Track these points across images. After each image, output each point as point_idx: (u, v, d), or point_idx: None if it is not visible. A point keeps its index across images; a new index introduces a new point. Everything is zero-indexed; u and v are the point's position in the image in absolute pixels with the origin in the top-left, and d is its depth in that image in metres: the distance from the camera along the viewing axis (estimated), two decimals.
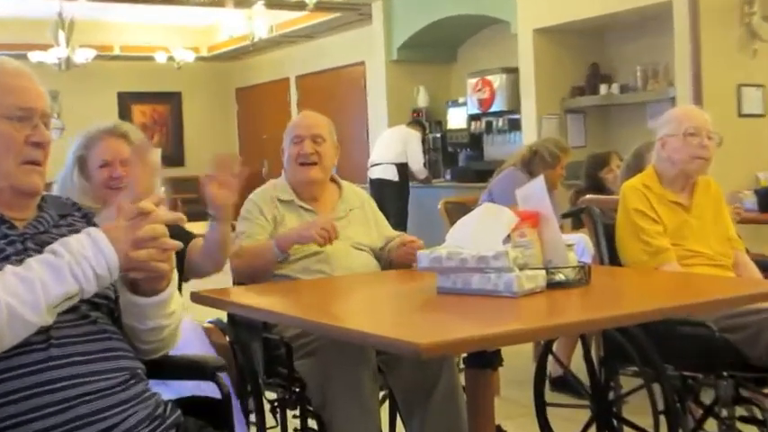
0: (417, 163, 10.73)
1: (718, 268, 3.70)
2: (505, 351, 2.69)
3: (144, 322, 2.15)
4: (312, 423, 3.31)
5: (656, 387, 3.34)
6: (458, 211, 5.65)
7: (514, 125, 10.31)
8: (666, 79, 8.93)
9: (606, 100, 9.56)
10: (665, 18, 8.22)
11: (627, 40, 9.70)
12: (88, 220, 2.27)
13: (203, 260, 3.36)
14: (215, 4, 12.07)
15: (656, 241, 3.68)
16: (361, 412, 3.10)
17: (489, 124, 10.73)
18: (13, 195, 2.10)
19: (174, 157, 15.89)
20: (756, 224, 6.59)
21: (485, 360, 2.63)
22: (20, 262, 1.92)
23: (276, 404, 3.46)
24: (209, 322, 3.68)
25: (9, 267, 1.89)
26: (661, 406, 3.30)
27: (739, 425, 3.54)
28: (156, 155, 5.01)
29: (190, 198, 15.21)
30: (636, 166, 4.57)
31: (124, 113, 16.02)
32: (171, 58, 14.67)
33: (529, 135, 9.53)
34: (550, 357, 4.03)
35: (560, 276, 2.81)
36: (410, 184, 10.81)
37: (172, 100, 16.82)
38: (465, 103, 11.05)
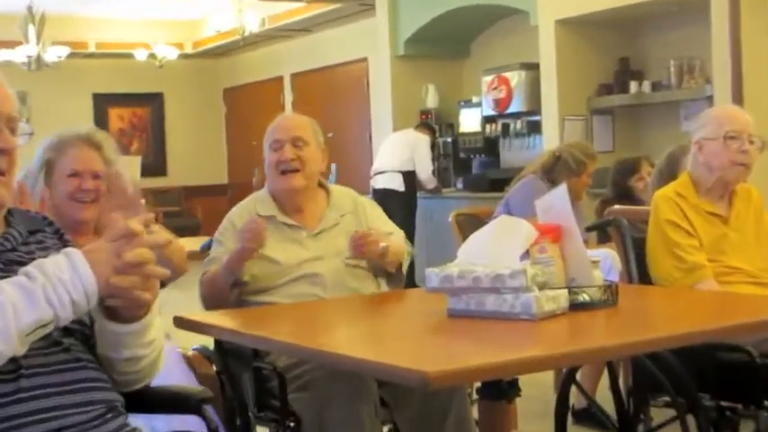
0: (426, 171, 10.73)
1: (760, 287, 3.70)
2: (523, 380, 2.71)
3: (119, 351, 2.15)
4: None
5: (691, 419, 3.35)
6: (471, 224, 5.66)
7: (534, 128, 10.31)
8: (703, 76, 8.93)
9: (636, 99, 9.57)
10: (702, 7, 8.23)
11: (659, 33, 9.71)
12: (60, 236, 2.28)
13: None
14: None
15: (690, 257, 3.68)
16: None
17: (506, 127, 10.73)
18: None
19: (155, 165, 15.94)
20: None
21: (500, 390, 2.65)
22: None
23: None
24: (194, 350, 3.69)
25: None
26: None
27: None
28: (136, 164, 5.04)
29: (172, 211, 15.33)
30: (669, 172, 4.57)
31: (100, 117, 16.06)
32: (152, 56, 14.72)
33: (550, 139, 9.54)
34: (573, 387, 4.03)
35: (584, 297, 2.82)
36: (418, 194, 10.82)
37: (153, 102, 16.86)
38: (479, 104, 11.05)
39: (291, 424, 3.27)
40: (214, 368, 3.57)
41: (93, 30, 15.13)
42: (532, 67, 10.14)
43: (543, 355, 2.39)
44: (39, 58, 12.71)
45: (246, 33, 13.28)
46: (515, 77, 10.39)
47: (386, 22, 11.96)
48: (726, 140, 3.79)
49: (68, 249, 1.96)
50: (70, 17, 14.23)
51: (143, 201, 4.55)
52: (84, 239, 3.23)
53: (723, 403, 3.42)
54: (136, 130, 16.70)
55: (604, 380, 4.33)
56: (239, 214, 3.74)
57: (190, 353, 3.58)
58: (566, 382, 3.97)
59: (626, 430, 3.67)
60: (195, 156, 16.68)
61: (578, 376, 4.11)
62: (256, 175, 14.71)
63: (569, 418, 4.09)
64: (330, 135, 12.90)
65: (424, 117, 11.76)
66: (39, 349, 2.00)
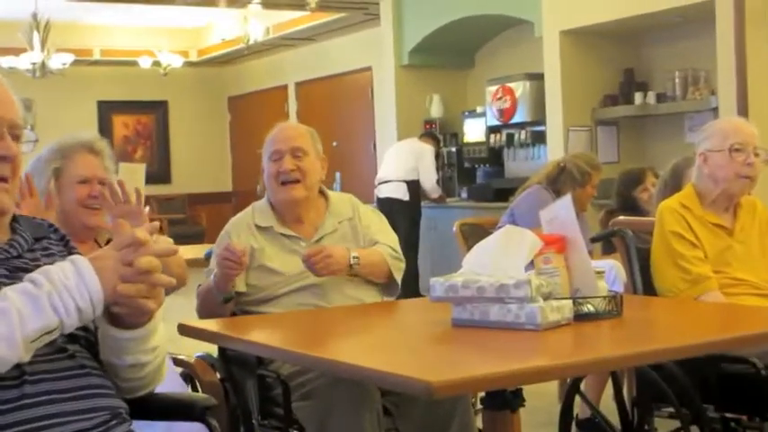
0: (430, 180, 10.74)
1: (765, 298, 3.70)
2: (527, 390, 2.71)
3: (122, 358, 2.14)
4: None
5: (695, 430, 3.35)
6: (475, 233, 5.66)
7: (539, 138, 10.33)
8: (708, 87, 8.94)
9: (641, 110, 9.58)
10: (707, 19, 8.24)
11: (664, 44, 9.72)
12: (65, 243, 2.28)
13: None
14: (206, 3, 12.15)
15: (695, 268, 3.69)
16: None
17: (510, 137, 10.74)
18: None
19: (159, 173, 15.96)
20: None
21: (504, 400, 2.64)
22: None
23: None
24: (198, 357, 3.69)
25: None
26: None
27: None
28: (141, 171, 5.05)
29: (177, 218, 15.35)
30: (674, 184, 4.58)
31: (105, 124, 16.09)
32: (156, 63, 14.74)
33: (555, 149, 9.55)
34: (577, 397, 4.04)
35: (589, 307, 2.82)
36: (422, 203, 10.83)
37: (157, 110, 16.88)
38: (483, 114, 11.07)
39: None
40: (218, 376, 3.57)
41: (98, 37, 15.16)
42: (537, 78, 10.15)
43: (548, 366, 2.40)
44: (43, 66, 12.72)
45: (251, 42, 13.30)
46: (520, 88, 10.41)
47: (390, 32, 11.98)
48: (731, 153, 3.79)
49: (75, 257, 1.96)
50: (75, 24, 14.26)
51: (147, 208, 4.56)
52: (87, 247, 3.24)
53: (727, 415, 3.43)
54: (140, 138, 16.72)
55: (608, 390, 4.34)
56: (237, 225, 3.74)
57: (193, 360, 3.59)
58: (570, 392, 3.98)
59: None
60: (199, 163, 16.70)
61: (582, 386, 4.11)
62: (261, 183, 14.72)
63: (573, 429, 4.09)
64: (335, 144, 13.05)
65: (428, 127, 11.78)
66: (43, 356, 2.00)
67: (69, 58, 13.08)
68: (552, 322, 2.66)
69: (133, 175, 3.68)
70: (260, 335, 3.07)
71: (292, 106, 15.40)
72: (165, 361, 2.27)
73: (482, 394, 2.76)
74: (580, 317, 2.78)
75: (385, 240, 3.76)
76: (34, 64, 12.65)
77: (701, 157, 3.88)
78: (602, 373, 4.83)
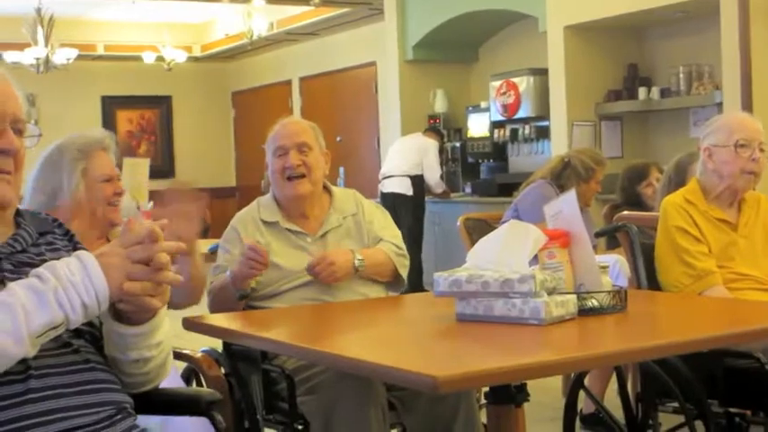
0: (434, 175, 10.75)
1: None
2: (531, 385, 2.71)
3: (126, 353, 2.15)
4: None
5: (700, 425, 3.35)
6: (479, 228, 5.66)
7: (543, 133, 10.32)
8: (712, 82, 8.93)
9: (645, 105, 9.58)
10: (711, 14, 8.24)
11: (668, 39, 9.72)
12: (70, 238, 2.28)
13: (177, 293, 3.40)
14: None
15: (700, 263, 3.69)
16: None
17: (515, 132, 10.74)
18: None
19: (163, 168, 15.93)
20: None
21: (508, 395, 2.64)
22: None
23: None
24: (203, 351, 3.69)
25: None
26: None
27: None
28: (145, 166, 5.05)
29: None
30: (678, 179, 4.58)
31: (108, 119, 16.09)
32: (160, 59, 14.73)
33: (558, 144, 9.55)
34: (582, 392, 4.04)
35: (593, 302, 2.82)
36: (426, 198, 10.83)
37: (161, 105, 16.88)
38: (487, 109, 11.07)
39: (300, 427, 3.28)
40: (222, 371, 3.58)
41: (102, 32, 15.16)
42: (541, 73, 10.15)
43: (552, 360, 2.40)
44: (47, 61, 12.72)
45: (255, 37, 13.28)
46: (524, 83, 10.40)
47: (394, 27, 11.97)
48: (736, 148, 3.78)
49: (81, 252, 1.97)
50: (79, 19, 14.27)
51: (151, 203, 4.57)
52: (99, 243, 3.26)
53: (732, 409, 3.43)
54: (144, 133, 16.72)
55: (613, 385, 4.34)
56: (243, 221, 3.74)
57: (198, 355, 3.59)
58: (574, 386, 3.98)
59: None
60: (203, 158, 16.70)
61: (587, 381, 4.11)
62: (265, 178, 14.73)
63: (577, 423, 4.09)
64: (338, 139, 13.05)
65: (432, 122, 11.78)
66: (48, 350, 2.01)
67: (73, 53, 13.08)
68: (556, 317, 2.66)
69: (137, 170, 3.70)
70: (264, 329, 3.07)
71: (296, 101, 15.40)
72: (169, 356, 2.28)
73: (486, 389, 2.76)
74: (584, 312, 2.78)
75: (389, 237, 3.77)
76: (38, 59, 12.65)
77: (706, 152, 3.87)
78: (607, 368, 4.84)
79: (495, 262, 2.81)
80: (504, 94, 10.61)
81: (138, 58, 14.87)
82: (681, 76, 9.29)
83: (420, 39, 11.77)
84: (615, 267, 4.82)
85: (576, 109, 9.66)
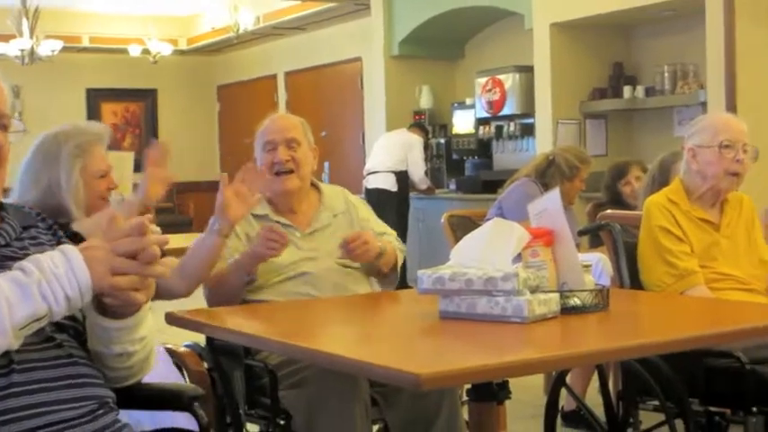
0: (419, 171, 10.75)
1: (750, 293, 3.72)
2: (513, 383, 2.72)
3: (109, 347, 2.15)
4: None
5: (680, 423, 3.36)
6: (463, 225, 5.68)
7: (527, 131, 10.33)
8: (697, 82, 8.96)
9: (630, 104, 9.60)
10: (697, 14, 8.25)
11: (654, 38, 9.74)
12: (54, 232, 2.28)
13: (178, 281, 3.40)
14: None
15: (682, 263, 3.70)
16: None
17: (499, 129, 10.74)
18: None
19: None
20: None
21: (490, 392, 2.65)
22: None
23: None
24: (185, 346, 3.69)
25: None
26: None
27: None
28: (130, 159, 5.04)
29: (164, 207, 15.31)
30: (662, 179, 4.58)
31: (93, 112, 16.04)
32: (146, 51, 14.70)
33: (543, 142, 9.56)
34: (563, 390, 4.05)
35: (575, 301, 2.83)
36: (410, 194, 10.83)
37: (146, 98, 16.84)
38: (473, 106, 11.07)
39: (282, 421, 3.28)
40: (205, 365, 3.57)
41: (87, 24, 15.11)
42: (526, 70, 10.15)
43: (534, 359, 2.40)
44: (32, 52, 12.68)
45: (241, 31, 13.26)
46: (509, 80, 10.41)
47: (381, 22, 11.96)
48: (721, 149, 3.79)
49: (65, 246, 1.96)
50: (64, 11, 14.22)
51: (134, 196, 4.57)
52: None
53: (712, 408, 3.44)
54: (129, 126, 16.68)
55: (594, 383, 4.35)
56: None
57: (181, 349, 3.59)
58: (556, 384, 3.99)
59: None
60: (188, 152, 16.63)
61: (568, 379, 4.13)
62: None
63: (559, 421, 4.10)
64: (323, 134, 13.03)
65: (417, 118, 11.77)
66: (31, 345, 2.01)
67: (58, 45, 13.04)
68: (539, 315, 2.66)
69: (122, 164, 3.69)
70: (247, 325, 3.07)
71: (282, 96, 15.38)
72: (153, 351, 2.28)
73: (468, 386, 2.77)
74: (567, 310, 2.79)
75: (390, 233, 3.85)
76: (23, 50, 12.61)
77: (690, 152, 3.88)
78: (588, 366, 4.85)
79: (478, 260, 2.82)
80: (490, 90, 10.61)
81: (124, 51, 14.84)
82: (666, 75, 9.32)
83: (406, 35, 11.76)
84: (598, 266, 4.83)
85: (561, 107, 9.68)
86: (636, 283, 3.81)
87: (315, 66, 14.48)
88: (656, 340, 2.60)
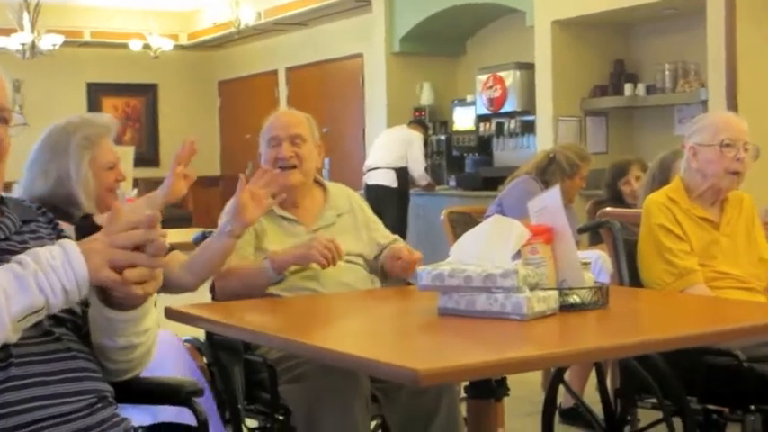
0: (418, 168, 10.76)
1: (750, 292, 3.72)
2: (512, 379, 2.72)
3: (114, 339, 2.14)
4: None
5: (678, 421, 3.37)
6: (463, 222, 5.68)
7: (528, 128, 10.34)
8: (698, 80, 8.96)
9: (631, 101, 9.60)
10: (698, 12, 8.26)
11: (655, 36, 9.74)
12: (54, 226, 2.28)
13: (186, 276, 3.39)
14: None
15: (682, 261, 3.70)
16: None
17: (500, 126, 10.75)
18: None
19: (147, 156, 15.90)
20: None
21: (489, 389, 2.65)
22: None
23: None
24: (185, 341, 3.70)
25: None
26: None
27: None
28: (130, 153, 5.05)
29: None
30: (662, 178, 4.58)
31: (94, 107, 16.04)
32: (147, 46, 14.71)
33: (544, 139, 9.57)
34: (561, 387, 4.05)
35: (575, 298, 2.83)
36: (411, 190, 10.84)
37: (147, 93, 16.84)
38: (473, 102, 11.08)
39: (281, 416, 3.28)
40: (204, 360, 3.58)
41: (89, 19, 15.11)
42: (527, 67, 10.16)
43: (532, 356, 2.41)
44: (33, 47, 12.69)
45: (242, 26, 13.27)
46: (510, 77, 10.41)
47: (382, 19, 11.97)
48: (721, 148, 3.79)
49: (63, 240, 1.97)
50: (65, 5, 14.22)
51: (135, 191, 4.58)
52: None
53: (710, 406, 3.45)
54: (129, 121, 16.67)
55: (592, 380, 4.36)
56: None
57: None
58: (554, 381, 4.00)
59: (612, 430, 3.69)
60: None
61: (566, 376, 4.13)
62: (250, 168, 14.71)
63: (557, 418, 4.11)
64: (324, 130, 12.93)
65: (417, 114, 11.78)
66: (30, 338, 2.00)
67: (59, 39, 13.05)
68: (538, 312, 2.66)
69: (122, 158, 3.68)
70: (247, 320, 3.07)
71: (282, 92, 15.37)
72: (154, 344, 2.28)
73: (466, 383, 2.77)
74: (566, 307, 2.79)
75: (394, 237, 3.87)
76: (24, 45, 12.61)
77: (691, 150, 3.88)
78: (586, 364, 4.85)
79: (478, 256, 2.82)
80: (491, 87, 10.62)
81: (125, 46, 14.85)
82: (666, 73, 9.32)
83: (407, 31, 11.77)
84: (597, 263, 4.83)
85: (561, 104, 9.68)
86: (635, 281, 3.81)
87: (316, 62, 14.48)
88: (654, 338, 2.60)
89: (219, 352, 3.48)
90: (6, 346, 1.94)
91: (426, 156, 11.13)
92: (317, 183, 3.86)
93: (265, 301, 3.46)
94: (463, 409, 3.14)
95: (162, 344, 2.41)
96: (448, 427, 3.29)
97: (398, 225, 10.20)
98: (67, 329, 2.12)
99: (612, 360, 3.87)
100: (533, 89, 9.97)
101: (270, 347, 3.26)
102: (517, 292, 2.64)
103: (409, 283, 3.69)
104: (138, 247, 1.94)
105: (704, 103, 8.48)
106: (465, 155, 11.59)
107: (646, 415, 3.74)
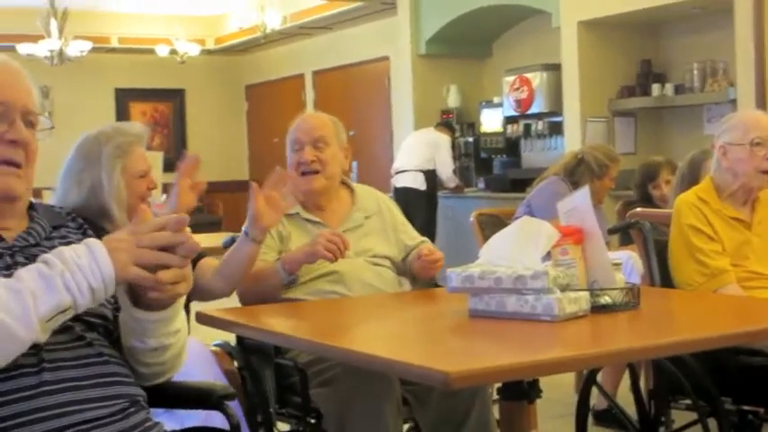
0: (447, 170, 10.76)
1: None
2: (544, 381, 2.71)
3: (144, 341, 2.15)
4: None
5: (713, 422, 3.35)
6: (492, 224, 5.66)
7: (556, 129, 10.32)
8: (727, 79, 8.92)
9: (659, 102, 9.56)
10: (726, 10, 8.22)
11: (682, 35, 9.70)
12: (84, 231, 2.29)
13: (217, 283, 3.40)
14: None
15: (713, 262, 3.67)
16: None
17: (527, 128, 10.73)
18: None
19: (175, 161, 15.83)
20: None
21: (521, 391, 2.64)
22: (8, 277, 1.92)
23: None
24: (216, 345, 3.71)
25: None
26: None
27: None
28: (159, 159, 5.06)
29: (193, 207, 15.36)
30: (692, 178, 4.56)
31: (122, 112, 16.13)
32: (174, 52, 14.75)
33: (572, 140, 9.54)
34: (594, 388, 4.04)
35: (606, 299, 2.82)
36: (439, 193, 10.83)
37: (174, 98, 16.91)
38: (501, 104, 11.06)
39: (312, 420, 3.29)
40: (235, 364, 3.59)
41: (116, 25, 15.18)
42: (554, 68, 10.14)
43: (565, 357, 2.40)
44: (61, 53, 12.75)
45: (268, 30, 13.29)
46: (537, 78, 10.40)
47: (407, 22, 11.98)
48: (752, 147, 3.77)
49: (88, 239, 1.96)
50: (92, 12, 14.28)
51: (164, 196, 4.61)
52: None
53: (745, 407, 3.43)
54: (157, 126, 16.73)
55: (625, 381, 4.34)
56: None
57: (212, 348, 3.60)
58: (587, 383, 3.98)
59: None
60: (216, 152, 16.70)
61: (599, 378, 4.11)
62: (278, 172, 14.69)
63: (590, 420, 4.09)
64: (351, 134, 12.94)
65: (445, 116, 11.78)
66: (62, 343, 2.02)
67: (87, 45, 13.11)
68: (569, 314, 2.65)
69: (151, 163, 3.69)
70: (277, 324, 3.08)
71: (309, 95, 15.41)
72: (185, 347, 2.28)
73: (499, 385, 2.76)
74: (597, 308, 2.78)
75: (421, 237, 3.87)
76: (52, 51, 12.68)
77: (721, 149, 3.86)
78: (619, 365, 4.84)
79: (507, 258, 2.81)
80: (518, 89, 10.60)
81: (152, 51, 14.90)
82: (695, 72, 9.28)
83: (433, 33, 11.77)
84: (628, 264, 4.82)
85: (589, 105, 9.66)
86: (667, 282, 3.79)
87: (342, 65, 14.49)
88: (687, 338, 2.58)
89: (250, 356, 3.48)
90: (38, 352, 1.96)
91: (454, 158, 11.13)
92: (345, 185, 3.85)
93: (296, 305, 3.46)
94: (496, 411, 3.13)
95: (189, 352, 2.42)
96: (480, 429, 3.29)
97: (427, 228, 10.20)
98: (99, 334, 2.13)
99: (646, 361, 3.85)
100: (560, 90, 9.95)
101: (301, 351, 3.26)
102: (548, 294, 2.63)
103: (438, 285, 3.68)
104: (164, 249, 1.94)
105: (733, 102, 8.44)
106: (493, 156, 11.59)
107: (680, 416, 3.72)
